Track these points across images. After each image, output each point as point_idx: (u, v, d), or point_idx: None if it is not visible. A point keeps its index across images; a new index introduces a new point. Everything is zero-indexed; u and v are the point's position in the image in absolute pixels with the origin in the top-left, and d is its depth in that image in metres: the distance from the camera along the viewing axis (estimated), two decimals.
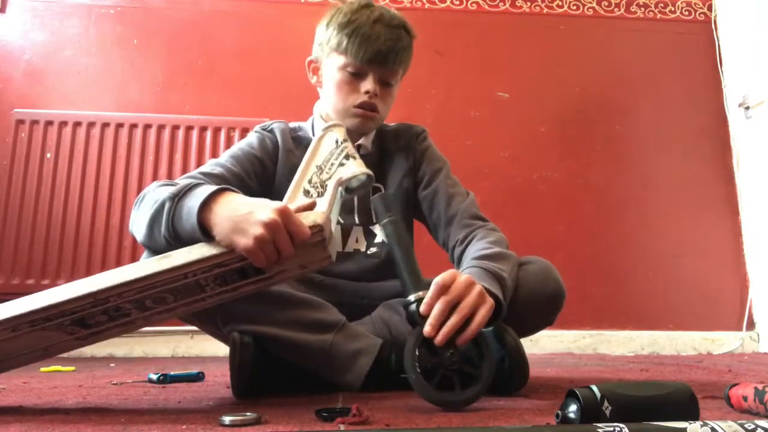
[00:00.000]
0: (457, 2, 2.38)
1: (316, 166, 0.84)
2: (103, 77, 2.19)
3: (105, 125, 2.09)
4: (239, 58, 2.25)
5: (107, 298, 0.69)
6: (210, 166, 0.98)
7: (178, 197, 0.75)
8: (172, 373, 1.11)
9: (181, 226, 0.74)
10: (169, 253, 0.71)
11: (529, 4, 2.41)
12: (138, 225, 0.82)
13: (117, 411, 0.75)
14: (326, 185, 0.82)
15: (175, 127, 2.12)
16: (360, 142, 1.10)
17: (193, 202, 0.74)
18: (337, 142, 0.86)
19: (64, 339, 0.74)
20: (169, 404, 0.81)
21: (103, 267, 1.98)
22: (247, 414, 0.64)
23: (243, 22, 2.28)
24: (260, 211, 0.70)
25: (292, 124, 1.13)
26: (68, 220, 2.01)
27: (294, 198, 0.80)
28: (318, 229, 0.72)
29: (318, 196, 0.80)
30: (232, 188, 0.77)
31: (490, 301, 0.79)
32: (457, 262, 1.00)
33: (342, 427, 0.61)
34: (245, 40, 2.27)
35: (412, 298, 0.76)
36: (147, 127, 2.10)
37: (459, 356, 0.74)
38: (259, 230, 0.69)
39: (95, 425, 0.64)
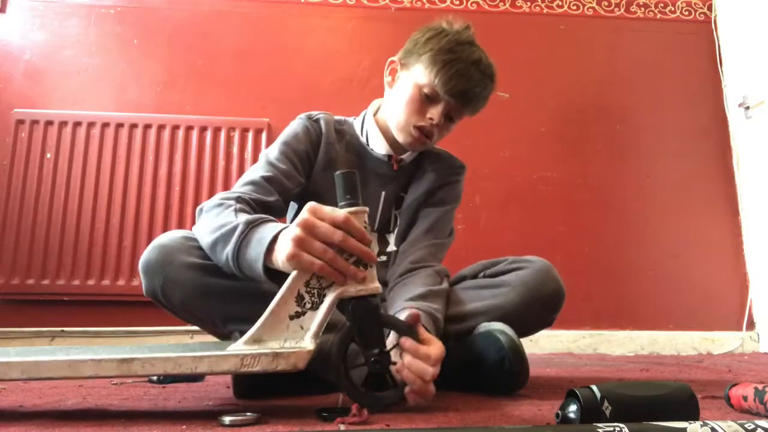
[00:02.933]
0: (457, 2, 2.38)
1: None
2: (103, 77, 2.18)
3: (105, 125, 2.08)
4: (239, 58, 2.24)
5: None
6: (265, 167, 1.00)
7: (253, 225, 0.78)
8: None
9: (247, 251, 0.76)
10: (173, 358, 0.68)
11: (529, 4, 2.41)
12: (202, 235, 0.85)
13: (117, 411, 0.75)
14: (324, 295, 0.70)
15: (175, 127, 2.12)
16: (404, 156, 1.12)
17: (265, 233, 0.76)
18: None
19: None
20: (169, 404, 0.81)
21: (103, 267, 1.98)
22: (247, 414, 0.64)
23: (243, 22, 2.28)
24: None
25: (336, 118, 1.14)
26: (68, 220, 2.00)
27: (285, 302, 0.69)
28: (294, 369, 0.67)
29: (312, 307, 0.69)
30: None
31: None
32: (395, 272, 1.04)
33: (342, 427, 0.61)
34: (245, 40, 2.27)
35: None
36: (147, 127, 2.10)
37: (385, 361, 0.72)
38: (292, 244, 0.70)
39: (95, 425, 0.64)
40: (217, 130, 2.13)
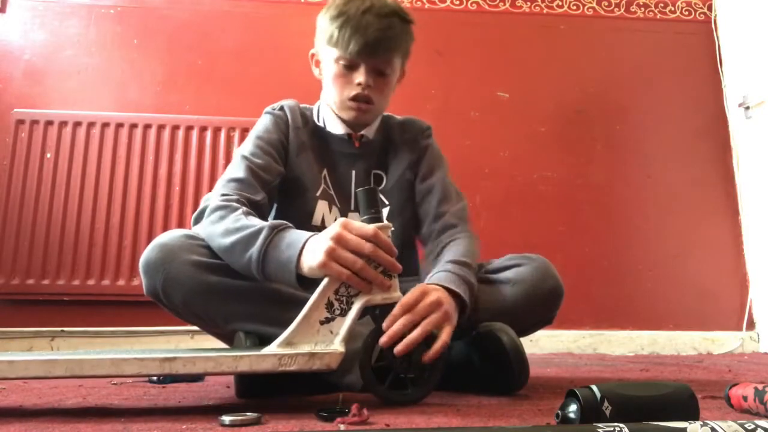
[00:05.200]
0: (457, 2, 2.38)
1: None
2: (103, 77, 2.18)
3: (105, 125, 2.08)
4: (239, 58, 2.24)
5: None
6: (244, 164, 0.99)
7: (277, 229, 0.81)
8: None
9: (276, 254, 0.79)
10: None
11: (529, 4, 2.41)
12: (214, 237, 0.86)
13: (117, 411, 0.75)
14: (352, 303, 0.75)
15: (175, 127, 2.12)
16: (363, 132, 1.11)
17: (294, 238, 0.80)
18: None
19: None
20: (169, 404, 0.81)
21: (103, 267, 1.98)
22: (247, 414, 0.64)
23: (243, 22, 2.28)
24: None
25: (302, 105, 1.16)
26: (68, 220, 2.00)
27: (316, 308, 0.75)
28: (328, 369, 0.74)
29: (341, 313, 0.75)
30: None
31: (453, 320, 0.82)
32: (430, 260, 1.03)
33: (342, 427, 0.61)
34: (245, 40, 2.27)
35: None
36: (147, 127, 2.10)
37: (410, 362, 0.77)
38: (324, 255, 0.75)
39: (95, 425, 0.64)
40: (217, 130, 2.13)
